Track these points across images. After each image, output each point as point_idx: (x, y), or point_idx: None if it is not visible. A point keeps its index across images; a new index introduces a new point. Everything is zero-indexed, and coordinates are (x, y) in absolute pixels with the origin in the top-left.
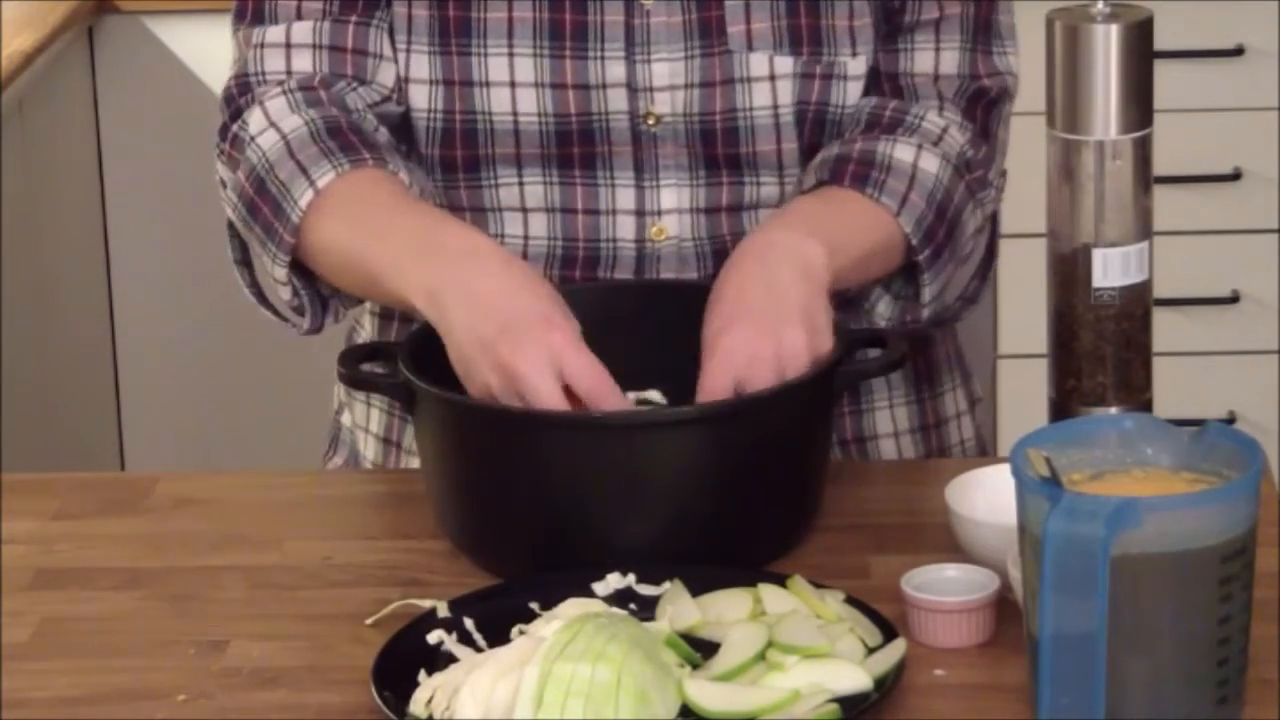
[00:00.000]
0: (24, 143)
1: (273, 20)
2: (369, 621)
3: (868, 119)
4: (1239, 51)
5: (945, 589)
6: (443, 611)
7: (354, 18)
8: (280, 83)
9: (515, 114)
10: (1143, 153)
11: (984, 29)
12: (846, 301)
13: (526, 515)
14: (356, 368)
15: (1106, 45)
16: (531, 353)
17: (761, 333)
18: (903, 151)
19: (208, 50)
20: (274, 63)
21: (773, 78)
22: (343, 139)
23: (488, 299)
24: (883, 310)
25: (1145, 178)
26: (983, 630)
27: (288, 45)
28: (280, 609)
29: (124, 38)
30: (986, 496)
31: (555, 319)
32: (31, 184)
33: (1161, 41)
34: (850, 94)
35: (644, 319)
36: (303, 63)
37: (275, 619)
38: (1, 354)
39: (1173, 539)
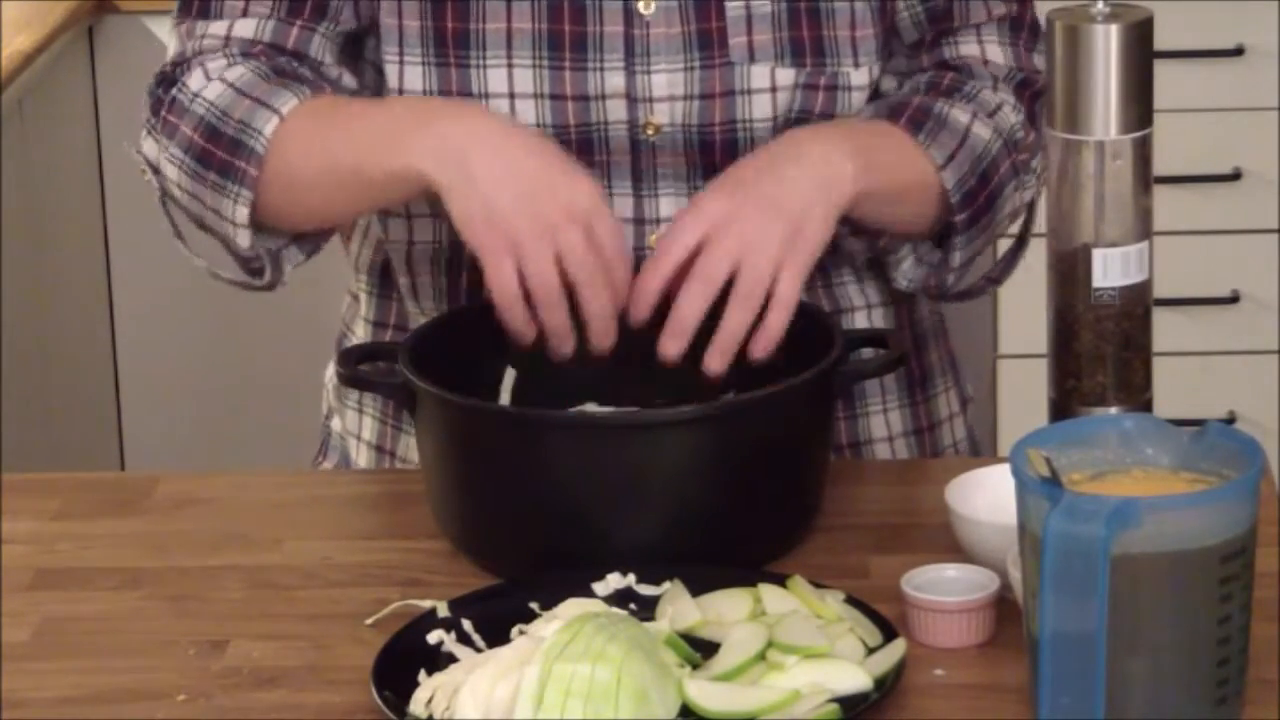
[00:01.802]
0: (24, 143)
1: (217, 16)
2: (369, 621)
3: (926, 84)
4: (1239, 51)
5: (945, 589)
6: (442, 611)
7: (299, 21)
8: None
9: None
10: (1143, 153)
11: (1025, 27)
12: (873, 260)
13: (526, 515)
14: (355, 368)
15: (1106, 45)
16: (568, 201)
17: (741, 209)
18: (959, 113)
19: None
20: (215, 49)
21: (774, 89)
22: (295, 76)
23: (513, 152)
24: (907, 269)
25: (1145, 178)
26: (983, 630)
27: (228, 38)
28: (280, 609)
29: (124, 38)
30: (986, 496)
31: (585, 179)
32: (31, 184)
33: (1161, 41)
34: (854, 104)
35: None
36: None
37: (275, 619)
38: (1, 354)
39: (1173, 539)
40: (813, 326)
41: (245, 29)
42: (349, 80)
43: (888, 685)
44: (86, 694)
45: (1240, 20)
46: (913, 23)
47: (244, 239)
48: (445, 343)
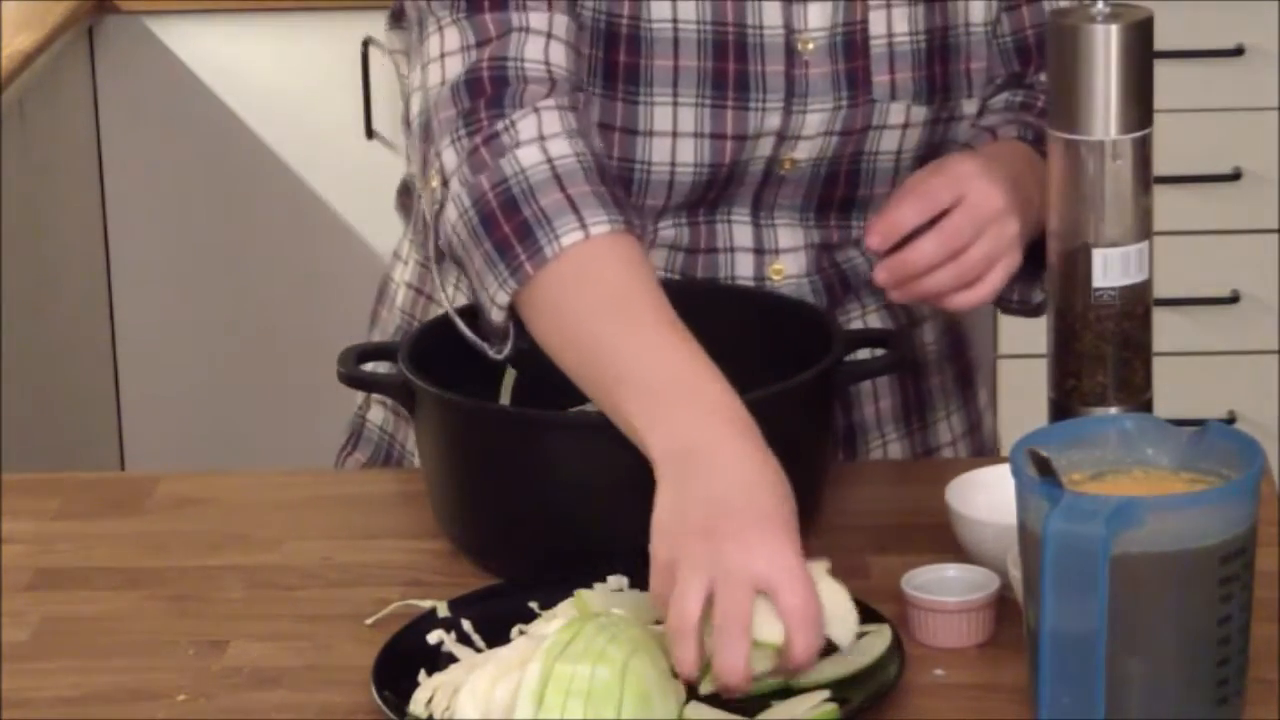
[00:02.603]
0: (24, 143)
1: (518, 7)
2: (369, 621)
3: (1021, 103)
4: (1239, 51)
5: (945, 589)
6: (443, 611)
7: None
8: (546, 86)
9: (673, 165)
10: (1143, 153)
11: None
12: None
13: (526, 515)
14: (355, 367)
15: (1106, 45)
16: (749, 560)
17: (998, 190)
18: None
19: (208, 50)
20: (534, 50)
21: (906, 125)
22: (609, 188)
23: (727, 490)
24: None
25: (1145, 178)
26: (983, 630)
27: (549, 36)
28: (280, 609)
29: (124, 38)
30: (986, 496)
31: (783, 546)
32: (31, 184)
33: (1161, 41)
34: (961, 133)
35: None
36: (558, 56)
37: (275, 619)
38: (1, 354)
39: (1173, 539)
40: (813, 326)
41: (561, 27)
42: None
43: (888, 685)
44: (86, 694)
45: (1240, 20)
46: (1001, 54)
47: (498, 316)
48: (445, 343)
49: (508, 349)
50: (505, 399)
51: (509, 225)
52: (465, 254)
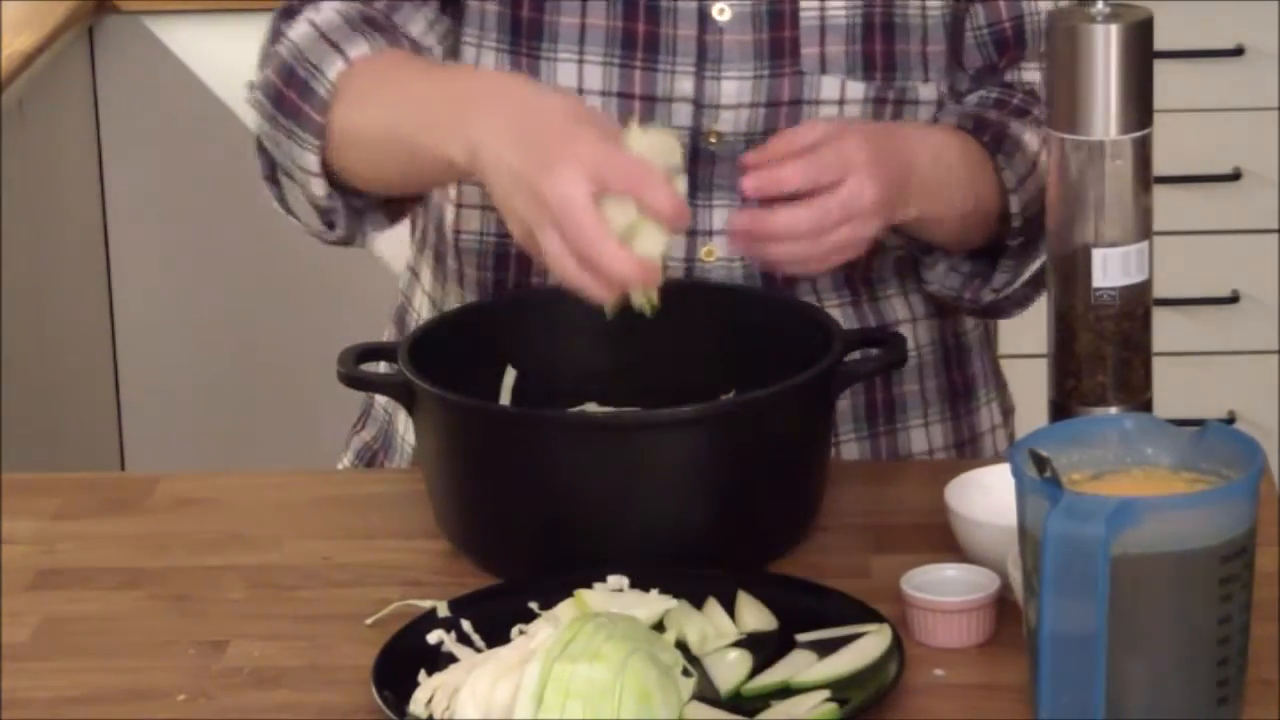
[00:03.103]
0: (24, 143)
1: None
2: (369, 621)
3: (995, 100)
4: (1239, 51)
5: (945, 589)
6: (443, 611)
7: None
8: None
9: None
10: (1143, 153)
11: None
12: (907, 258)
13: (526, 515)
14: (355, 367)
15: (1106, 45)
16: (563, 175)
17: (866, 145)
18: (1030, 137)
19: (208, 50)
20: None
21: (842, 102)
22: (377, 25)
23: (515, 121)
24: (939, 273)
25: (1145, 178)
26: (983, 630)
27: None
28: (280, 609)
29: (124, 38)
30: (986, 496)
31: (580, 124)
32: (31, 184)
33: (1161, 41)
34: (921, 119)
35: (655, 321)
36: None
37: (275, 619)
38: (1, 354)
39: (1173, 539)
40: (813, 326)
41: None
42: (438, 53)
43: (888, 685)
44: (86, 694)
45: (1240, 20)
46: (978, 46)
47: (318, 187)
48: (445, 343)
49: (340, 227)
50: (505, 399)
51: (293, 91)
52: (274, 145)
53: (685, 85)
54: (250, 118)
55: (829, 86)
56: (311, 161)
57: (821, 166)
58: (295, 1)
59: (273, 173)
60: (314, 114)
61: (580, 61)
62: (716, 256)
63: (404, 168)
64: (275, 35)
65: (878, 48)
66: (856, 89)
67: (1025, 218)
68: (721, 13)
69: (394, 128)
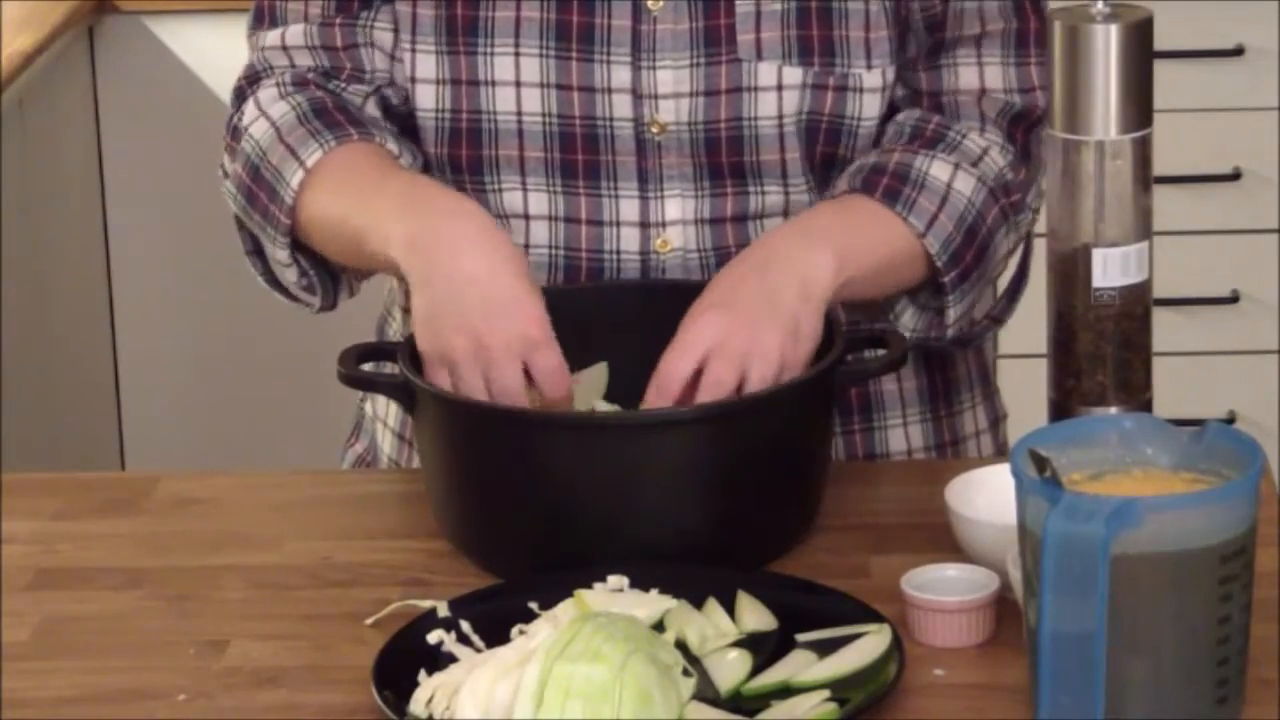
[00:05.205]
0: (24, 143)
1: (281, 23)
2: (369, 621)
3: (910, 131)
4: (1239, 51)
5: (945, 589)
6: (443, 611)
7: (340, 19)
8: (273, 75)
9: (520, 114)
10: (1143, 153)
11: (1026, 42)
12: (872, 308)
13: (526, 515)
14: (355, 367)
15: (1106, 45)
16: (507, 333)
17: (737, 324)
18: (939, 169)
19: (208, 50)
20: (278, 60)
21: (780, 88)
22: (328, 118)
23: (472, 266)
24: (908, 321)
25: (1145, 178)
26: (983, 630)
27: (284, 47)
28: (280, 609)
29: (124, 38)
30: (986, 496)
31: (534, 310)
32: (31, 184)
33: (1161, 41)
34: (866, 107)
35: (647, 320)
36: (303, 60)
37: (275, 619)
38: (1, 354)
39: (1173, 539)
40: None
41: (295, 36)
42: (400, 76)
43: (888, 685)
44: (86, 694)
45: (1240, 20)
46: (913, 30)
47: (290, 275)
48: None
49: (318, 301)
50: None
51: (261, 192)
52: (250, 233)
53: (622, 76)
54: (227, 195)
55: (766, 73)
56: (282, 255)
57: (695, 345)
58: (243, 82)
59: (256, 247)
60: (281, 216)
61: (516, 55)
62: (671, 247)
63: (353, 255)
64: (234, 132)
65: (815, 33)
66: (794, 75)
67: (951, 253)
68: (655, 2)
69: (343, 219)
